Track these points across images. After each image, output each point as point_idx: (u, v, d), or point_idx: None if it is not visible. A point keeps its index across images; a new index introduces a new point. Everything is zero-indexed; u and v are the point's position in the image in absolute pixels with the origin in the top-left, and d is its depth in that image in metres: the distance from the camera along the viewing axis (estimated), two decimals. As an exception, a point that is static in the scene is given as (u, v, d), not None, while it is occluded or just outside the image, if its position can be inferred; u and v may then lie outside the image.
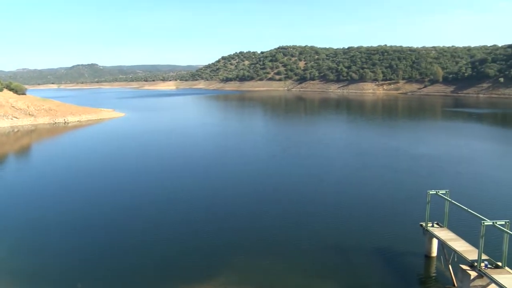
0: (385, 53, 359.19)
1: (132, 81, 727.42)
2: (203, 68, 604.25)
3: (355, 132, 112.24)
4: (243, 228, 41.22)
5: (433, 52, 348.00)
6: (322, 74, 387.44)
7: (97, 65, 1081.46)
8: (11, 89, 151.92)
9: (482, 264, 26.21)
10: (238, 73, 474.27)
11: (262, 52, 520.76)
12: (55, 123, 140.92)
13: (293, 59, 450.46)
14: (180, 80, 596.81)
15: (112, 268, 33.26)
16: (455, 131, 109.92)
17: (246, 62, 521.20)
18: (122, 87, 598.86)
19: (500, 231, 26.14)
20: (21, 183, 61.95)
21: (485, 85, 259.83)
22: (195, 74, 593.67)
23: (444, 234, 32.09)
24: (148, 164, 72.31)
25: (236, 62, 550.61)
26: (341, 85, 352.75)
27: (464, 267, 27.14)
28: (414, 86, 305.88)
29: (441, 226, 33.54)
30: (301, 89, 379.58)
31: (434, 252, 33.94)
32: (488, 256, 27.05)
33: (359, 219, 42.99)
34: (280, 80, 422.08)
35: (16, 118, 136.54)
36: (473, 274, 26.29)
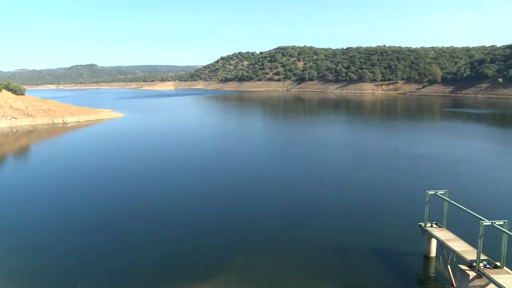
0: (384, 54, 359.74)
1: (131, 81, 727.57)
2: (202, 69, 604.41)
3: (354, 133, 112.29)
4: (242, 228, 41.21)
5: (432, 52, 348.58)
6: (321, 75, 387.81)
7: (96, 65, 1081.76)
8: (9, 90, 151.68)
9: (481, 264, 26.23)
10: (237, 73, 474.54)
11: (261, 53, 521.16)
12: (54, 123, 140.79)
13: (292, 59, 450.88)
14: (179, 80, 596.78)
15: (112, 269, 33.24)
16: (453, 132, 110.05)
17: (245, 63, 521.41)
18: (121, 88, 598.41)
19: (498, 231, 26.18)
20: (20, 184, 61.84)
21: (483, 85, 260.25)
22: (194, 74, 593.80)
23: (443, 234, 32.13)
24: (147, 165, 72.25)
25: (235, 63, 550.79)
26: (340, 86, 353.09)
27: (463, 267, 27.17)
28: (413, 87, 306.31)
29: (440, 226, 33.58)
30: (300, 90, 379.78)
31: (433, 252, 33.97)
32: (487, 256, 27.09)
33: (358, 219, 43.01)
34: (279, 80, 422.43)
35: (15, 118, 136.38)
36: (472, 274, 26.32)
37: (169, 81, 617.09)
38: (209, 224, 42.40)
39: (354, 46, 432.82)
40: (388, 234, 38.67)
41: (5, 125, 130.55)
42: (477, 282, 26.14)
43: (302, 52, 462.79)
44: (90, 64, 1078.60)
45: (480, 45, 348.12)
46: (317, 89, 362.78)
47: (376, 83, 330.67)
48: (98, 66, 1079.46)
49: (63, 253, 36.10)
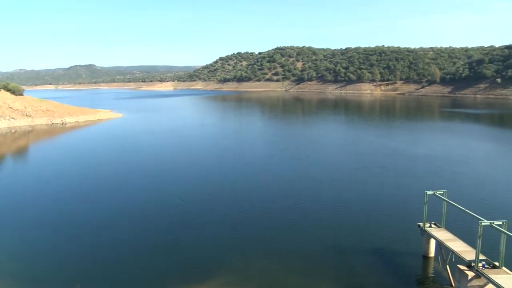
0: (383, 54, 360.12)
1: (130, 81, 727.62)
2: (201, 69, 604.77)
3: (352, 133, 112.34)
4: (241, 228, 41.19)
5: (431, 52, 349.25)
6: (319, 75, 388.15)
7: (94, 65, 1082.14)
8: (8, 90, 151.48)
9: (480, 264, 26.26)
10: (235, 73, 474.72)
11: (259, 53, 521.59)
12: (53, 124, 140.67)
13: (291, 59, 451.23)
14: (177, 80, 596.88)
15: (111, 269, 33.21)
16: (452, 132, 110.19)
17: (244, 63, 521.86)
18: (120, 88, 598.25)
19: (497, 231, 26.20)
20: (18, 184, 61.70)
21: (482, 85, 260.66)
22: (193, 74, 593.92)
23: (442, 234, 32.16)
24: (146, 165, 72.18)
25: (234, 63, 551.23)
26: (338, 86, 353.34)
27: (461, 267, 27.19)
28: (411, 87, 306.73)
29: (438, 227, 33.61)
30: (299, 90, 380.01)
31: (432, 253, 33.99)
32: (486, 256, 27.12)
33: (357, 219, 43.02)
34: (277, 80, 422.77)
35: (14, 119, 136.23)
36: (470, 274, 26.34)
37: (168, 81, 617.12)
38: (208, 224, 42.36)
39: (353, 46, 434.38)
40: (387, 234, 38.69)
41: (3, 126, 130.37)
42: (476, 282, 26.17)
43: (301, 53, 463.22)
44: (89, 65, 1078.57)
45: (479, 45, 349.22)
46: (316, 90, 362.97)
47: (375, 83, 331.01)
48: (97, 67, 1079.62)
49: (61, 254, 36.04)
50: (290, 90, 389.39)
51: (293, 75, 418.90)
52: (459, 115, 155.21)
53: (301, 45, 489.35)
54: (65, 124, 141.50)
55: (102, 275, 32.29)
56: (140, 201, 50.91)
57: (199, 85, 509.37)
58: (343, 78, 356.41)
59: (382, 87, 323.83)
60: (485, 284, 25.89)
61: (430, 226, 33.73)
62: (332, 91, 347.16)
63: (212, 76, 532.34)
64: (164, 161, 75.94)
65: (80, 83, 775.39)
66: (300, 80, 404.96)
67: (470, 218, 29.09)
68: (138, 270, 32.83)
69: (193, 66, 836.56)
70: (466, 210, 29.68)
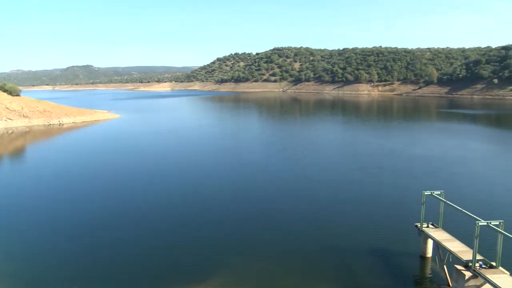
0: (380, 55, 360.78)
1: (127, 82, 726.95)
2: (198, 70, 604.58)
3: (350, 133, 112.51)
4: (240, 229, 41.21)
5: (428, 53, 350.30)
6: (317, 76, 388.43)
7: (92, 66, 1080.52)
8: (5, 91, 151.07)
9: (477, 264, 26.35)
10: (233, 74, 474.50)
11: (257, 54, 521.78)
12: (50, 124, 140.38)
13: (288, 60, 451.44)
14: (175, 81, 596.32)
15: (109, 270, 33.16)
16: (449, 132, 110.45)
17: (241, 64, 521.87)
18: (117, 89, 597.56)
19: (494, 231, 26.30)
20: (15, 185, 61.54)
21: (479, 86, 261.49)
22: (190, 75, 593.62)
23: (439, 234, 32.24)
24: (144, 166, 72.13)
25: (231, 64, 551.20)
26: (336, 86, 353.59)
27: (459, 267, 27.28)
28: (409, 87, 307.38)
29: (436, 227, 33.70)
30: (296, 91, 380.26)
31: (429, 253, 34.08)
32: (483, 256, 27.22)
33: (354, 220, 43.08)
34: (275, 81, 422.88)
35: (10, 119, 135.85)
36: (467, 274, 26.44)
37: (165, 82, 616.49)
38: (206, 225, 42.36)
39: (350, 47, 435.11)
40: (384, 235, 38.77)
41: (0, 126, 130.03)
42: (473, 282, 26.27)
43: (299, 53, 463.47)
44: (86, 65, 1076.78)
45: (476, 46, 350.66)
46: (314, 90, 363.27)
47: (372, 84, 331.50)
48: (94, 67, 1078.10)
49: (59, 254, 35.96)
50: (288, 90, 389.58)
51: (291, 75, 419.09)
52: (456, 115, 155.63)
53: (298, 46, 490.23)
54: (62, 124, 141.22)
55: (102, 275, 32.23)
56: (138, 201, 50.84)
57: (196, 86, 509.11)
58: (340, 79, 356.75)
59: (380, 88, 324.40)
60: (482, 284, 25.98)
61: (428, 227, 33.82)
62: (329, 91, 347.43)
63: (209, 76, 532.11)
64: (162, 161, 75.84)
65: (77, 84, 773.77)
66: (297, 80, 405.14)
67: (467, 218, 29.18)
68: (136, 270, 32.80)
69: (190, 67, 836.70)
70: (463, 210, 29.77)
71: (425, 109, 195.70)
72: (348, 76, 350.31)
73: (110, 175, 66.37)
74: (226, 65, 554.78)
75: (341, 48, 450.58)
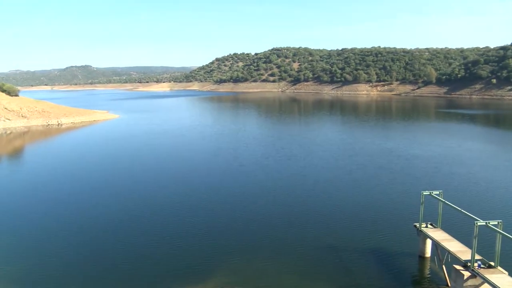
0: (379, 55, 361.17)
1: (126, 82, 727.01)
2: (197, 70, 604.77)
3: (349, 133, 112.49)
4: (239, 229, 41.22)
5: (426, 53, 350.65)
6: (316, 76, 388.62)
7: (90, 66, 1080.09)
8: (3, 91, 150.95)
9: (475, 264, 26.40)
10: (232, 74, 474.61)
11: (256, 54, 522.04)
12: (49, 124, 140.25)
13: (287, 60, 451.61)
14: (174, 81, 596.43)
15: (108, 270, 33.13)
16: (448, 132, 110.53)
17: (240, 64, 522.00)
18: (116, 89, 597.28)
19: (493, 231, 26.37)
20: (13, 186, 61.47)
21: (477, 86, 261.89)
22: (189, 75, 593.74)
23: (438, 234, 32.28)
24: (143, 166, 72.09)
25: (230, 64, 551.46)
26: (335, 87, 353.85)
27: (457, 267, 27.32)
28: (407, 87, 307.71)
29: (434, 227, 33.73)
30: (295, 91, 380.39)
31: (428, 253, 34.13)
32: (481, 256, 27.26)
33: (353, 220, 43.13)
34: (274, 81, 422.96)
35: (9, 120, 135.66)
36: (466, 274, 26.48)
37: (164, 82, 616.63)
38: (205, 225, 42.37)
39: (349, 47, 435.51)
40: (383, 235, 38.81)
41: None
42: (472, 282, 26.31)
43: (297, 53, 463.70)
44: (85, 65, 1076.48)
45: (474, 46, 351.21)
46: (312, 90, 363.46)
47: (371, 84, 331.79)
48: (93, 67, 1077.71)
49: (57, 255, 35.90)
50: (287, 91, 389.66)
51: (289, 76, 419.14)
52: (454, 115, 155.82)
53: (297, 46, 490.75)
54: (61, 125, 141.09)
55: (100, 275, 32.21)
56: (136, 202, 50.75)
57: (195, 86, 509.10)
58: (339, 79, 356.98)
59: (378, 88, 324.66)
60: (481, 284, 26.03)
61: (426, 227, 33.86)
62: (328, 91, 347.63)
63: (208, 77, 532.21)
64: (161, 162, 75.83)
65: (76, 84, 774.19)
66: (296, 81, 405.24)
67: (466, 218, 29.25)
68: (135, 270, 32.77)
69: (189, 67, 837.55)
70: (462, 210, 29.83)
71: (424, 109, 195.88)
72: (347, 76, 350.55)
73: (108, 176, 66.31)
74: (225, 65, 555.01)
75: (339, 48, 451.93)
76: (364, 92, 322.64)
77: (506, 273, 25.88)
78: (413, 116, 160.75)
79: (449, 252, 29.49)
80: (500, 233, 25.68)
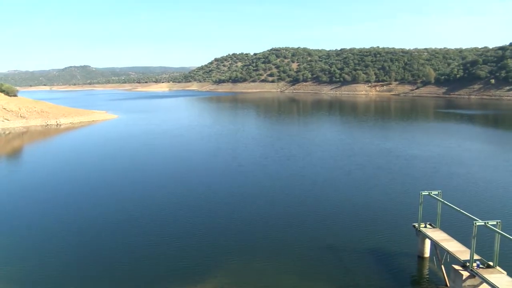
0: (378, 55, 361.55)
1: (125, 82, 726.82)
2: (196, 70, 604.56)
3: (348, 134, 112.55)
4: (237, 229, 41.21)
5: (425, 53, 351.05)
6: (314, 76, 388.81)
7: (89, 66, 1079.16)
8: (2, 91, 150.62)
9: (474, 264, 26.42)
10: (231, 74, 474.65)
11: (255, 54, 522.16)
12: (47, 125, 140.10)
13: (286, 60, 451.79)
14: (173, 81, 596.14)
15: (107, 271, 33.11)
16: (447, 132, 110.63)
17: (239, 64, 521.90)
18: (115, 89, 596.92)
19: (491, 231, 26.39)
20: (12, 186, 61.40)
21: (476, 86, 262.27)
22: (188, 75, 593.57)
23: (437, 234, 32.31)
24: (142, 167, 72.04)
25: (229, 64, 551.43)
26: (333, 87, 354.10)
27: (456, 267, 27.35)
28: (406, 88, 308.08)
29: (433, 227, 33.76)
30: (294, 91, 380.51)
31: (427, 253, 34.16)
32: (480, 256, 27.29)
33: (352, 220, 43.16)
34: (273, 81, 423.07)
35: (7, 120, 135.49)
36: (465, 274, 26.51)
37: (163, 82, 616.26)
38: (204, 225, 42.36)
39: (348, 47, 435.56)
40: (382, 235, 38.84)
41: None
42: (471, 282, 26.33)
43: (296, 54, 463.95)
44: (84, 66, 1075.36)
45: (473, 46, 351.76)
46: (311, 90, 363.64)
47: (370, 84, 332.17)
48: (92, 68, 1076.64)
49: (57, 255, 35.86)
50: (285, 91, 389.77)
51: (288, 76, 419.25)
52: (453, 115, 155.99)
53: (296, 46, 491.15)
54: (60, 125, 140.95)
55: (99, 275, 32.18)
56: (135, 202, 50.70)
57: (194, 86, 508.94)
58: (338, 79, 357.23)
59: (377, 88, 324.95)
60: (480, 284, 26.05)
61: (425, 227, 33.88)
62: (327, 92, 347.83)
63: (207, 77, 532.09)
64: (160, 162, 75.81)
65: (74, 84, 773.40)
66: (295, 81, 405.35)
67: (465, 218, 29.27)
68: (133, 271, 32.76)
69: (188, 67, 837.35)
70: (461, 210, 29.85)
71: (423, 109, 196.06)
72: (346, 76, 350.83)
73: (107, 176, 66.24)
74: (223, 66, 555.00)
75: (338, 49, 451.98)
76: (363, 92, 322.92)
77: (505, 273, 25.90)
78: (411, 116, 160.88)
79: (448, 252, 29.52)
80: (499, 233, 25.71)
